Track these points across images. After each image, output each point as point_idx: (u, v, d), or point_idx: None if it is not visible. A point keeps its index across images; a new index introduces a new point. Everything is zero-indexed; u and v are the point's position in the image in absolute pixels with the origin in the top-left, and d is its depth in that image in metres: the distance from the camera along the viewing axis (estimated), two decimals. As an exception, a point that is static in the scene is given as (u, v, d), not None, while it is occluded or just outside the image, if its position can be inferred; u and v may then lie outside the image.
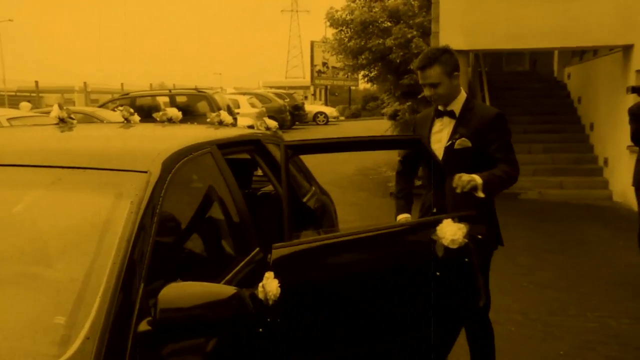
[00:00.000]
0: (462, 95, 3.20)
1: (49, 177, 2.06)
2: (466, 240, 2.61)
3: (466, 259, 2.66)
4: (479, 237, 2.67)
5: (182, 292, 1.74)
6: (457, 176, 2.86)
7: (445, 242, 2.60)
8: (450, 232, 2.61)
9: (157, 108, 12.89)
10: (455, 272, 2.68)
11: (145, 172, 2.02)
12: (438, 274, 2.62)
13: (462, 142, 3.10)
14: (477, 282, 2.78)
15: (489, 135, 3.07)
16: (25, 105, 12.94)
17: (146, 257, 1.80)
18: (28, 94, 25.83)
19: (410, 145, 3.10)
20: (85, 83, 22.79)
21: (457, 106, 3.18)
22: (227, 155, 2.77)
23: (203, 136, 2.77)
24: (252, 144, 3.21)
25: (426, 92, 3.17)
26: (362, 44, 12.06)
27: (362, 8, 12.34)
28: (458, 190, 2.83)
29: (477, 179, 2.84)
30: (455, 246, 2.60)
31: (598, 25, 9.17)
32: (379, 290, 2.55)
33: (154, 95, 15.26)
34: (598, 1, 9.24)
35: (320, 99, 42.49)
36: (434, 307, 2.68)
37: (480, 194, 2.86)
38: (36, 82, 23.17)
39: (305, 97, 39.95)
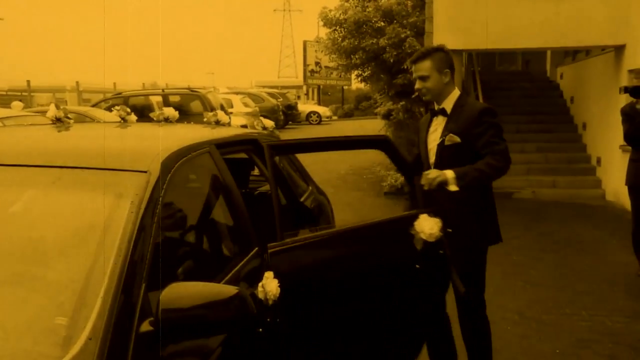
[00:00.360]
0: (455, 94, 3.25)
1: (48, 177, 2.05)
2: (442, 234, 2.76)
3: (441, 251, 2.83)
4: (449, 230, 2.83)
5: (183, 292, 1.73)
6: (424, 173, 2.96)
7: (424, 236, 2.74)
8: (428, 226, 2.75)
9: (150, 108, 12.86)
10: (433, 264, 2.85)
11: (145, 171, 2.01)
12: (418, 266, 2.79)
13: (450, 138, 3.15)
14: (452, 273, 2.98)
15: (475, 129, 3.11)
16: (17, 104, 12.88)
17: (147, 257, 1.80)
18: (19, 93, 25.67)
19: (378, 144, 3.20)
20: (77, 82, 22.67)
21: (449, 104, 3.23)
22: (225, 155, 2.77)
23: (201, 136, 2.76)
24: (250, 144, 3.21)
25: (417, 85, 3.26)
26: (356, 43, 12.05)
27: (356, 8, 12.32)
28: (425, 188, 2.95)
29: (447, 173, 2.94)
30: (433, 240, 2.74)
31: (590, 25, 9.22)
32: (368, 284, 2.66)
33: (147, 95, 15.21)
34: (590, 2, 9.29)
35: (313, 99, 42.47)
36: (415, 298, 2.88)
37: (452, 188, 2.95)
38: (28, 81, 23.02)
39: (298, 97, 39.94)
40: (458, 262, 3.17)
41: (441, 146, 3.18)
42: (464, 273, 3.19)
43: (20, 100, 15.58)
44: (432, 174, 2.95)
